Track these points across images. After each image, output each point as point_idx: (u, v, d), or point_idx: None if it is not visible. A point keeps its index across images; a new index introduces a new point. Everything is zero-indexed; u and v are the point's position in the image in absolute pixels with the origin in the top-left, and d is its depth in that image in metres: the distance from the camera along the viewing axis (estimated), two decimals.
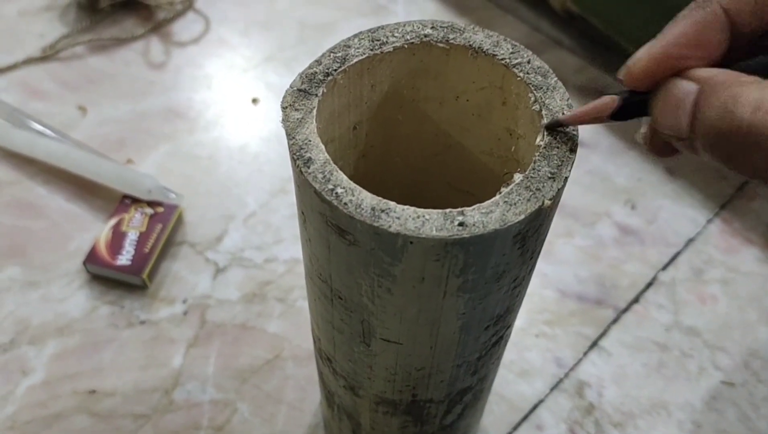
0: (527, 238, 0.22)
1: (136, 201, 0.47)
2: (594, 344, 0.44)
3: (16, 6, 0.61)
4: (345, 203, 0.20)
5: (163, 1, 0.59)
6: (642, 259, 0.47)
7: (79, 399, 0.41)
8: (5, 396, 0.41)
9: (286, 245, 0.47)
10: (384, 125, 0.28)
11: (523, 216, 0.20)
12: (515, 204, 0.21)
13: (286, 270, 0.46)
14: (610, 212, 0.50)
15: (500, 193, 0.21)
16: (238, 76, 0.57)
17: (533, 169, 0.21)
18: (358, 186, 0.21)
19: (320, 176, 0.21)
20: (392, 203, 0.20)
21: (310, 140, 0.22)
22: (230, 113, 0.55)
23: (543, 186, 0.21)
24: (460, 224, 0.20)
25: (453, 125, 0.28)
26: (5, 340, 0.43)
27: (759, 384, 0.43)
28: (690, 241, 0.48)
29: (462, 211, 0.20)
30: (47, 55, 0.57)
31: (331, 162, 0.21)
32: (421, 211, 0.20)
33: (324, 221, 0.22)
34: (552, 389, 0.42)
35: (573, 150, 0.22)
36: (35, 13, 0.60)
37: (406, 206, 0.20)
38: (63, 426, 0.40)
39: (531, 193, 0.21)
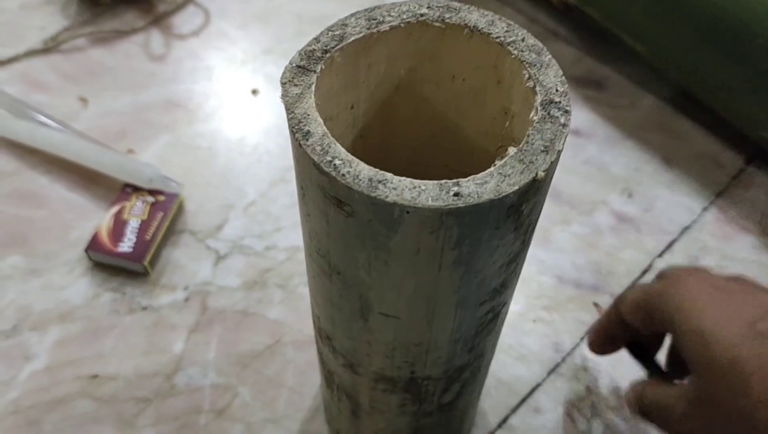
0: (521, 211, 0.22)
1: (137, 190, 0.48)
2: None
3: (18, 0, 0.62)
4: (343, 174, 0.21)
5: None
6: (638, 246, 0.48)
7: (82, 384, 0.42)
8: (8, 382, 0.42)
9: (286, 233, 0.48)
10: (381, 106, 0.28)
11: (517, 187, 0.21)
12: (509, 175, 0.21)
13: (286, 258, 0.47)
14: (607, 201, 0.50)
15: (495, 165, 0.21)
16: (238, 68, 0.57)
17: (527, 142, 0.22)
18: (355, 158, 0.21)
19: (318, 148, 0.21)
20: (389, 175, 0.21)
21: (308, 114, 0.22)
22: (230, 104, 0.55)
23: (536, 159, 0.22)
24: (456, 194, 0.21)
25: (449, 106, 0.28)
26: (7, 327, 0.44)
27: None
28: (686, 229, 0.49)
29: (457, 182, 0.21)
30: (49, 48, 0.58)
31: (329, 135, 0.22)
32: (417, 182, 0.21)
33: (323, 194, 0.22)
34: (549, 373, 0.43)
35: (566, 125, 0.22)
36: (37, 6, 0.61)
37: (402, 178, 0.21)
38: (66, 410, 0.41)
39: (524, 165, 0.21)
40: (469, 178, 0.21)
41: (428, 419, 0.34)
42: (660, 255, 0.48)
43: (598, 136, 0.54)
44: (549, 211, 0.50)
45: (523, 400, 0.42)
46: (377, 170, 0.21)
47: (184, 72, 0.57)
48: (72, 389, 0.42)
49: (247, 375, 0.42)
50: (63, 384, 0.42)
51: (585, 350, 0.44)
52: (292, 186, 0.50)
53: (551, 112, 0.23)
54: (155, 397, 0.41)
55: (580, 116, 0.55)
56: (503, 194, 0.21)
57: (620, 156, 0.53)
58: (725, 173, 0.52)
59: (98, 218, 0.48)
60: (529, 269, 0.47)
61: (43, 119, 0.51)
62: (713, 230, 0.49)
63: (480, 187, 0.21)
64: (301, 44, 0.24)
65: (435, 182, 0.21)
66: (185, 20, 0.60)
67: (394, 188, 0.21)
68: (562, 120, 0.23)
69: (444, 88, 0.28)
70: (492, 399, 0.42)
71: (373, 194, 0.21)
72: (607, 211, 0.50)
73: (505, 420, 0.41)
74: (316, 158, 0.21)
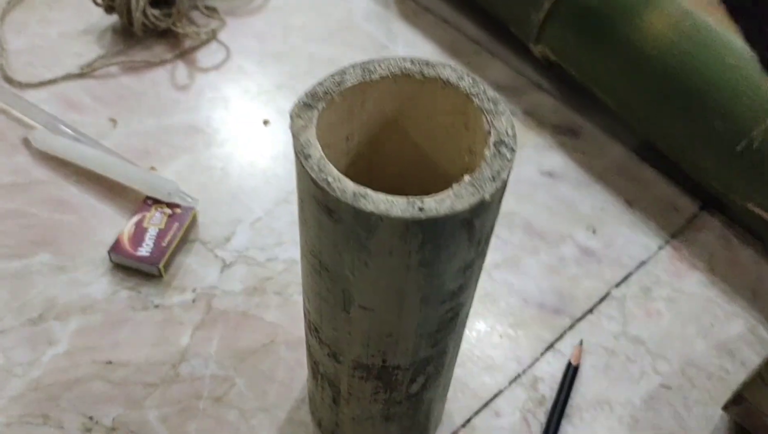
0: (474, 225, 0.28)
1: (157, 202, 0.54)
2: (550, 346, 0.50)
3: (58, 28, 0.69)
4: (334, 189, 0.27)
5: (190, 31, 0.66)
6: (598, 276, 0.54)
7: (97, 368, 0.47)
8: (32, 362, 0.47)
9: (286, 247, 0.54)
10: (372, 138, 0.34)
11: (468, 206, 0.27)
12: (462, 197, 0.27)
13: (284, 268, 0.53)
14: (573, 235, 0.56)
15: (452, 189, 0.28)
16: (252, 100, 0.64)
17: (479, 172, 0.28)
18: (344, 177, 0.27)
19: (316, 168, 0.28)
20: (369, 190, 0.27)
21: (310, 141, 0.28)
22: (243, 131, 0.62)
23: (485, 185, 0.28)
24: (420, 208, 0.27)
25: (427, 141, 0.35)
26: (34, 315, 0.50)
27: (693, 389, 0.49)
28: (642, 263, 0.55)
29: (422, 199, 0.27)
30: (84, 73, 0.64)
31: (325, 158, 0.28)
32: (390, 197, 0.27)
33: (317, 204, 0.28)
34: (511, 382, 0.48)
35: (510, 160, 0.29)
36: (75, 35, 0.68)
37: (379, 193, 0.27)
38: (82, 390, 0.46)
39: (475, 189, 0.28)
40: (430, 196, 0.27)
41: (397, 407, 0.39)
42: (617, 285, 0.54)
43: (569, 177, 0.60)
44: (521, 241, 0.56)
45: (486, 404, 0.47)
46: (360, 186, 0.27)
47: (205, 101, 0.63)
48: (88, 372, 0.47)
49: (243, 369, 0.48)
50: (80, 367, 0.47)
51: (543, 364, 0.49)
52: (295, 206, 0.56)
53: (501, 150, 0.29)
54: (161, 383, 0.47)
55: (555, 159, 0.61)
56: (457, 211, 0.27)
57: (588, 196, 0.59)
58: (681, 217, 0.58)
59: (121, 225, 0.54)
60: (500, 291, 0.53)
61: (76, 135, 0.58)
62: (666, 267, 0.55)
63: (439, 204, 0.27)
64: (310, 82, 0.30)
65: (404, 198, 0.27)
66: (208, 55, 0.67)
67: (372, 201, 0.27)
68: (508, 156, 0.29)
69: (423, 127, 0.34)
70: (458, 401, 0.47)
71: (355, 205, 0.27)
72: (573, 244, 0.56)
73: (468, 421, 0.47)
74: (313, 175, 0.27)
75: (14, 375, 0.47)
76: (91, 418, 0.45)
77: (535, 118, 0.64)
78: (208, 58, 0.67)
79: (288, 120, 0.63)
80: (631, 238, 0.56)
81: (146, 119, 0.62)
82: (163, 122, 0.62)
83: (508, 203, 0.58)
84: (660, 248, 0.56)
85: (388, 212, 0.27)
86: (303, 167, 0.28)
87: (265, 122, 0.62)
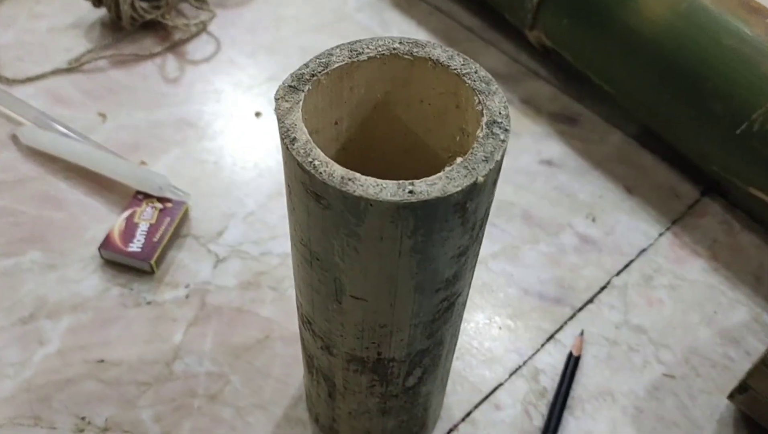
0: (467, 208, 0.27)
1: (147, 197, 0.53)
2: (551, 337, 0.49)
3: (46, 23, 0.68)
4: (321, 172, 0.26)
5: (180, 23, 0.65)
6: (598, 265, 0.53)
7: (89, 367, 0.46)
8: (23, 362, 0.46)
9: (280, 241, 0.53)
10: (361, 123, 0.33)
11: (460, 188, 0.26)
12: (454, 179, 0.26)
13: (279, 263, 0.52)
14: (572, 224, 0.55)
15: (444, 171, 0.27)
16: (244, 92, 0.63)
17: (472, 153, 0.27)
18: (332, 160, 0.26)
19: (302, 151, 0.27)
20: (358, 174, 0.26)
21: (296, 125, 0.27)
22: (235, 124, 0.61)
23: (478, 166, 0.27)
24: (410, 192, 0.26)
25: (418, 125, 0.34)
26: (25, 314, 0.49)
27: (697, 378, 0.48)
28: (642, 251, 0.54)
29: (412, 182, 0.26)
30: (72, 67, 0.63)
31: (312, 142, 0.27)
32: (380, 181, 0.26)
33: (304, 190, 0.27)
34: (511, 374, 0.47)
35: (504, 140, 0.28)
36: (63, 29, 0.67)
37: (368, 177, 0.26)
38: (74, 390, 0.45)
39: (468, 171, 0.27)
40: (422, 179, 0.26)
41: (394, 401, 0.38)
42: (617, 274, 0.52)
43: (568, 166, 0.59)
44: (520, 231, 0.55)
45: (486, 397, 0.46)
46: (348, 170, 0.26)
47: (195, 94, 0.62)
48: (80, 371, 0.46)
49: (238, 365, 0.47)
50: (72, 367, 0.46)
51: (544, 355, 0.48)
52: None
53: (494, 130, 0.28)
54: (155, 381, 0.46)
55: (553, 147, 0.60)
56: (449, 193, 0.26)
57: (587, 184, 0.58)
58: (682, 203, 0.57)
59: (111, 221, 0.53)
60: (498, 281, 0.52)
61: (64, 130, 0.57)
62: (667, 254, 0.54)
63: (430, 187, 0.26)
64: None
65: (394, 181, 0.26)
66: (198, 48, 0.66)
67: (361, 185, 0.26)
68: (502, 137, 0.28)
69: (413, 110, 0.33)
70: (457, 395, 0.46)
71: (343, 189, 0.26)
72: (572, 233, 0.55)
73: (468, 415, 0.46)
74: (299, 159, 0.26)
75: (5, 375, 0.46)
76: (83, 419, 0.44)
77: (532, 106, 0.63)
78: (199, 51, 0.66)
79: None
80: (631, 225, 0.55)
81: (136, 113, 0.61)
82: (153, 115, 0.61)
83: (505, 193, 0.57)
84: (661, 235, 0.55)
85: (377, 196, 0.25)
86: (289, 151, 0.27)
87: (258, 115, 0.61)
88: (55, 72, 0.63)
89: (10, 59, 0.64)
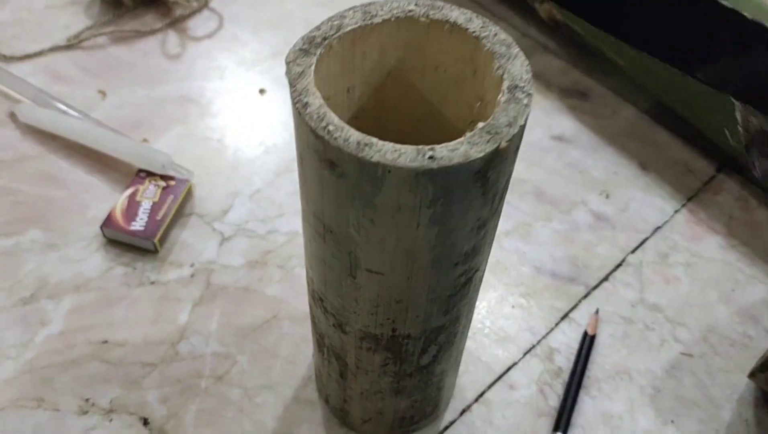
0: (488, 177, 0.26)
1: (150, 175, 0.52)
2: (565, 316, 0.48)
3: (44, 0, 0.66)
4: (335, 138, 0.25)
5: None
6: (613, 243, 0.52)
7: (93, 348, 0.45)
8: (25, 344, 0.45)
9: (287, 219, 0.51)
10: (374, 91, 0.32)
11: (482, 154, 0.25)
12: (477, 144, 0.25)
13: (286, 241, 0.50)
14: (586, 201, 0.54)
15: (465, 136, 0.25)
16: (248, 68, 0.62)
17: (494, 118, 0.26)
18: (346, 125, 0.25)
19: (315, 116, 0.25)
20: (374, 139, 0.25)
21: (308, 89, 0.26)
22: (239, 101, 0.59)
23: (501, 131, 0.25)
24: (430, 157, 0.24)
25: (434, 93, 0.32)
26: (26, 294, 0.47)
27: (716, 356, 0.46)
28: (658, 228, 0.53)
29: (432, 147, 0.25)
30: (71, 44, 0.62)
31: (325, 105, 0.25)
32: (398, 146, 0.25)
33: (318, 158, 0.26)
34: (525, 354, 0.46)
35: (527, 105, 0.26)
36: (62, 6, 0.65)
37: (386, 142, 0.25)
38: (77, 371, 0.44)
39: (490, 136, 0.25)
40: (442, 145, 0.25)
41: (408, 380, 0.37)
42: (632, 252, 0.51)
43: (580, 142, 0.58)
44: (532, 208, 0.53)
45: (499, 377, 0.45)
46: (364, 135, 0.25)
47: (198, 71, 0.61)
48: (84, 352, 0.45)
49: (245, 345, 0.46)
50: (75, 348, 0.45)
51: (558, 334, 0.47)
52: (295, 176, 0.54)
53: (516, 94, 0.27)
54: (160, 362, 0.45)
55: (565, 123, 0.59)
56: (470, 159, 0.25)
57: (600, 161, 0.56)
58: (697, 179, 0.56)
59: (113, 200, 0.52)
60: (510, 259, 0.50)
61: (64, 108, 0.55)
62: (683, 231, 0.52)
63: (451, 152, 0.25)
64: None
65: (413, 147, 0.25)
66: (200, 23, 0.65)
67: (378, 150, 0.24)
68: (525, 101, 0.26)
69: (429, 77, 0.31)
70: (470, 375, 0.45)
71: (360, 155, 0.24)
72: (586, 210, 0.53)
73: (482, 395, 0.45)
74: (312, 125, 0.25)
75: (7, 357, 0.45)
76: (87, 400, 0.43)
77: (543, 81, 0.62)
78: (200, 27, 0.64)
79: (286, 89, 0.60)
80: (646, 202, 0.54)
81: (137, 90, 0.59)
82: (154, 93, 0.59)
83: (517, 169, 0.56)
84: (676, 211, 0.54)
85: (395, 163, 0.24)
86: (301, 116, 0.25)
87: (261, 91, 0.60)
88: (54, 49, 0.61)
89: (6, 37, 0.62)
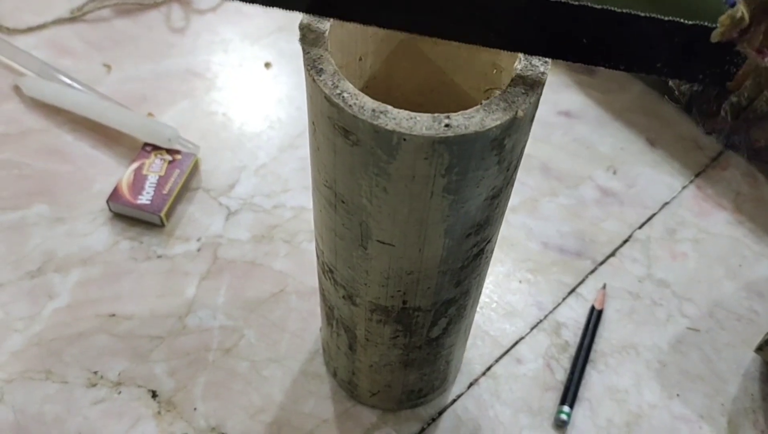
0: (504, 145, 0.26)
1: (156, 149, 0.51)
2: (572, 291, 0.48)
3: None
4: (350, 105, 0.24)
5: None
6: (620, 218, 0.51)
7: (100, 321, 0.45)
8: (33, 316, 0.45)
9: (293, 194, 0.51)
10: (386, 60, 0.32)
11: (499, 121, 0.24)
12: (493, 112, 0.25)
13: (292, 216, 0.50)
14: (593, 176, 0.54)
15: (482, 104, 0.25)
16: (252, 42, 0.61)
17: (510, 86, 0.25)
18: (361, 92, 0.25)
19: (330, 83, 0.25)
20: (389, 107, 0.24)
21: (321, 55, 0.26)
22: (244, 75, 0.59)
23: (517, 99, 0.25)
24: (446, 125, 0.24)
25: (446, 62, 0.32)
26: (33, 268, 0.47)
27: (722, 331, 0.47)
28: (665, 204, 0.52)
29: (448, 115, 0.24)
30: (75, 17, 0.61)
31: (339, 72, 0.25)
32: (413, 114, 0.24)
33: (331, 126, 0.26)
34: (532, 328, 0.46)
35: (544, 72, 0.26)
36: None
37: (401, 110, 0.24)
38: (85, 344, 0.44)
39: (507, 104, 0.25)
40: (459, 113, 0.25)
41: (417, 353, 0.37)
42: (640, 227, 0.51)
43: (588, 117, 0.57)
44: (538, 183, 0.53)
45: (507, 351, 0.45)
46: (379, 102, 0.24)
47: (202, 44, 0.60)
48: (91, 325, 0.45)
49: (252, 319, 0.46)
50: (83, 321, 0.45)
51: (565, 308, 0.47)
52: (301, 152, 0.54)
53: (533, 62, 0.26)
54: (168, 335, 0.45)
55: (572, 98, 0.58)
56: (487, 127, 0.24)
57: (607, 136, 0.56)
58: (705, 155, 0.55)
59: (119, 174, 0.51)
60: (517, 235, 0.50)
61: (69, 81, 0.55)
62: (691, 206, 0.52)
63: (468, 120, 0.24)
64: None
65: (429, 114, 0.24)
66: None
67: (394, 118, 0.24)
68: (542, 69, 0.26)
69: (440, 45, 0.31)
70: (478, 349, 0.45)
71: (375, 123, 0.24)
72: (593, 185, 0.53)
73: (489, 368, 0.45)
74: (327, 91, 0.25)
75: (14, 329, 0.45)
76: (95, 373, 0.43)
77: None
78: (205, 0, 0.64)
79: (291, 63, 0.60)
80: (653, 178, 0.54)
81: (142, 64, 0.59)
82: (159, 66, 0.59)
83: None
84: (684, 187, 0.53)
85: (411, 130, 0.24)
86: (315, 83, 0.25)
87: (267, 65, 0.59)
88: (57, 22, 0.61)
89: (9, 9, 0.62)
